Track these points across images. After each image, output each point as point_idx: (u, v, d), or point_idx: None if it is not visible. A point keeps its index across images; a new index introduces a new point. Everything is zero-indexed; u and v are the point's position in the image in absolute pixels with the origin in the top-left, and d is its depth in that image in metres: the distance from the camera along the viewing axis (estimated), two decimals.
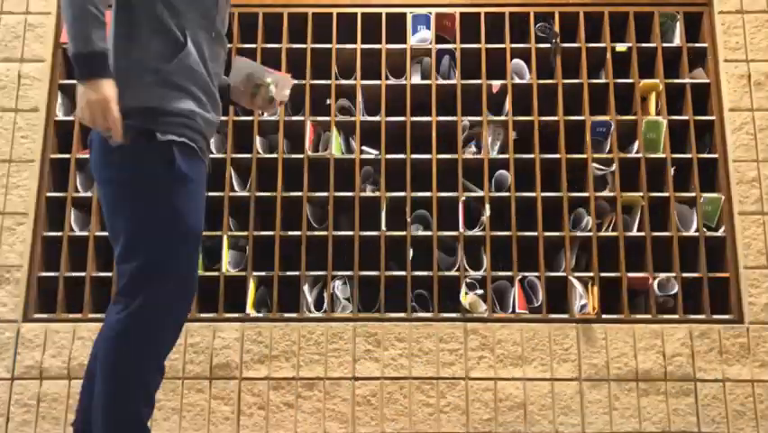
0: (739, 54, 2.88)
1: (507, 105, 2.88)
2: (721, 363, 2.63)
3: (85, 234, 2.78)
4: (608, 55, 2.92)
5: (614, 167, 2.82)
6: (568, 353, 2.64)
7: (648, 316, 2.68)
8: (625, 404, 2.60)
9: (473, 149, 2.91)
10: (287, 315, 2.71)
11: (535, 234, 2.76)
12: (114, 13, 1.47)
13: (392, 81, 2.91)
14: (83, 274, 2.74)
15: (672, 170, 2.81)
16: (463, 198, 2.80)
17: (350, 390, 2.63)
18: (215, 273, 2.75)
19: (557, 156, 2.84)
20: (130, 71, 1.42)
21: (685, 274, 2.72)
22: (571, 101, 2.91)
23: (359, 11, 2.96)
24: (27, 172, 2.80)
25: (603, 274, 2.73)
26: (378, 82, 2.91)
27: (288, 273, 2.74)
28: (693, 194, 2.79)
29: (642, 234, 2.75)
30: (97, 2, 1.34)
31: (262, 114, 2.90)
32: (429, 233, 2.78)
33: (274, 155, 2.86)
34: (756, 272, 2.69)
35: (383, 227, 2.78)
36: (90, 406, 1.44)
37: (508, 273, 2.73)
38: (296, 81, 2.89)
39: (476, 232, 2.78)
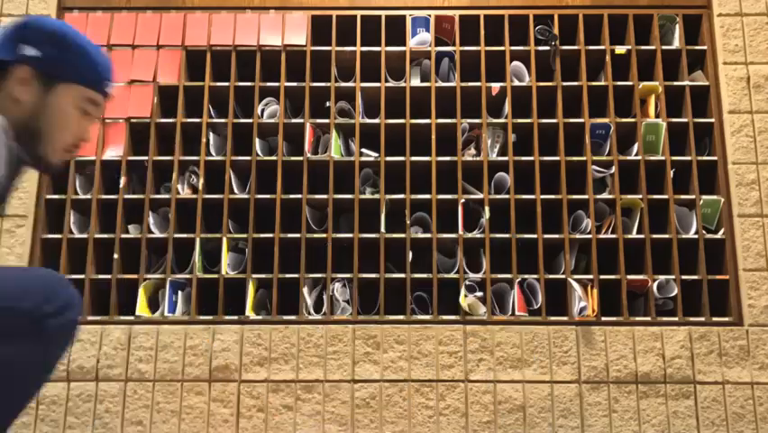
0: (738, 57, 2.88)
1: (507, 108, 2.88)
2: (721, 366, 2.63)
3: (84, 236, 2.78)
4: (608, 57, 2.92)
5: (613, 169, 2.82)
6: (567, 355, 2.64)
7: (648, 318, 2.68)
8: (624, 406, 2.60)
9: (473, 151, 2.91)
10: (286, 317, 2.71)
11: (535, 236, 2.76)
12: None
13: (392, 84, 2.92)
14: (82, 277, 2.74)
15: (671, 173, 2.81)
16: (463, 201, 2.80)
17: (349, 392, 2.63)
18: (215, 276, 2.75)
19: (557, 158, 2.84)
20: None
21: (684, 277, 2.72)
22: (570, 103, 2.92)
23: (358, 13, 2.96)
24: (26, 174, 2.80)
25: (602, 277, 2.73)
26: (377, 84, 2.92)
27: (288, 276, 2.74)
28: (693, 196, 2.79)
29: (641, 236, 2.76)
30: None
31: (262, 116, 2.91)
32: (428, 235, 2.78)
33: (273, 157, 2.86)
34: (756, 275, 2.69)
35: (382, 230, 2.78)
36: None
37: (508, 276, 2.73)
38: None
39: (475, 234, 2.78)
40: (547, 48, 2.93)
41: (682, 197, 2.79)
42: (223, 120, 2.89)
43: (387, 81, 2.92)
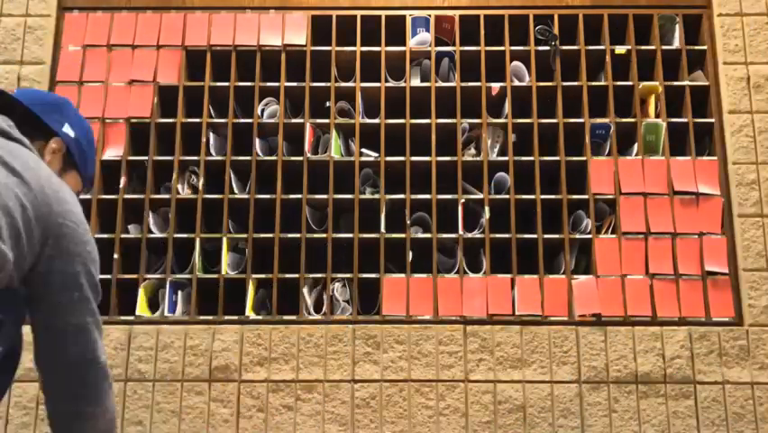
0: (738, 57, 2.88)
1: (507, 108, 2.88)
2: (721, 366, 2.63)
3: None
4: (608, 57, 2.92)
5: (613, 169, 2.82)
6: (567, 355, 2.64)
7: (648, 318, 2.68)
8: (624, 406, 2.60)
9: (473, 151, 2.91)
10: (286, 317, 2.71)
11: (535, 236, 2.76)
12: None
13: (392, 83, 2.92)
14: None
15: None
16: (463, 201, 2.80)
17: (349, 392, 2.63)
18: (215, 276, 2.75)
19: (557, 158, 2.84)
20: None
21: (684, 276, 2.72)
22: (570, 103, 2.92)
23: (358, 13, 2.96)
24: None
25: (602, 276, 2.73)
26: (377, 84, 2.91)
27: (288, 275, 2.74)
28: (693, 197, 2.78)
29: (641, 235, 2.75)
30: None
31: (262, 116, 2.91)
32: (428, 235, 2.78)
33: (273, 157, 2.86)
34: (756, 275, 2.69)
35: (382, 229, 2.78)
36: None
37: (508, 275, 2.73)
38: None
39: (475, 234, 2.78)
40: (547, 48, 2.93)
41: (683, 196, 2.79)
42: (223, 120, 2.89)
43: (387, 81, 2.92)
